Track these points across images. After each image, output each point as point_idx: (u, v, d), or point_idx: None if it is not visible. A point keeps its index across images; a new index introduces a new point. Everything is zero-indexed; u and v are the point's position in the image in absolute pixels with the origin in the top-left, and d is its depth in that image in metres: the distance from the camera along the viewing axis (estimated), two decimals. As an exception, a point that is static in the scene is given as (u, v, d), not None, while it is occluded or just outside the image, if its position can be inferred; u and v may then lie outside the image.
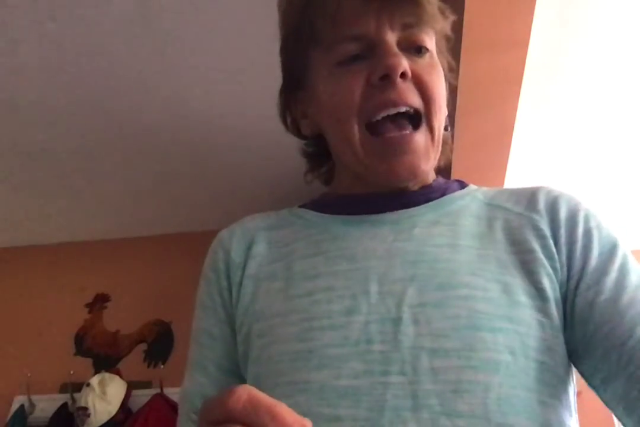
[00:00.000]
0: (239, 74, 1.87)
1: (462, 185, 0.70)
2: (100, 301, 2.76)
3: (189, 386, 0.65)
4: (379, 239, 0.61)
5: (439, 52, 0.65)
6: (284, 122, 0.72)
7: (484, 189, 0.69)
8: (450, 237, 0.60)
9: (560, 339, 0.55)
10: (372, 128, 0.60)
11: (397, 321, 0.54)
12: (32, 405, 2.42)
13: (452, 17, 0.65)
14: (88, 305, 2.75)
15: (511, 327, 0.53)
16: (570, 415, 0.55)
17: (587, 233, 0.59)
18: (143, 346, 2.59)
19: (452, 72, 0.70)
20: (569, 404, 0.55)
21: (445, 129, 0.66)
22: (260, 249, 0.66)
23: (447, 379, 0.50)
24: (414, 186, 0.65)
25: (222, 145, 2.24)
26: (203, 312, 0.67)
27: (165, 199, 2.63)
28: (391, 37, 0.59)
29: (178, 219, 2.79)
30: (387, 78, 0.58)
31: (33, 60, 1.79)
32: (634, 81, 1.84)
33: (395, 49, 0.59)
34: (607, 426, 2.19)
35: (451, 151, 0.73)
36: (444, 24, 0.64)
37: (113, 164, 2.36)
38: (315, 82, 0.65)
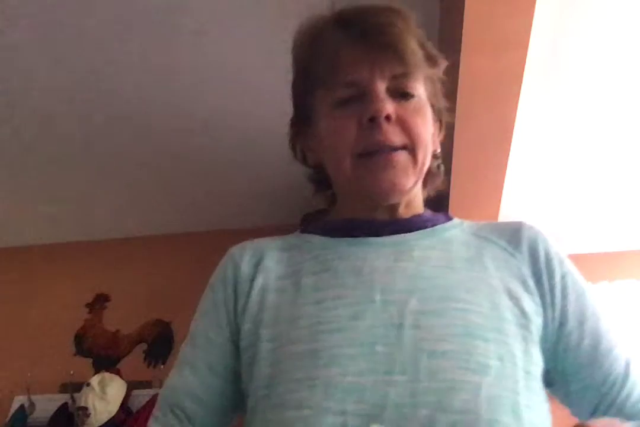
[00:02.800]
0: (243, 73, 1.87)
1: (448, 217, 0.78)
2: (100, 301, 2.75)
3: (177, 382, 0.70)
4: (383, 258, 0.68)
5: (430, 95, 0.73)
6: (294, 151, 0.81)
7: (467, 222, 0.78)
8: (446, 260, 0.68)
9: (539, 354, 0.63)
10: (362, 155, 0.69)
11: (399, 326, 0.60)
12: (32, 405, 2.42)
13: (444, 63, 0.75)
14: (88, 305, 2.75)
15: (500, 338, 0.60)
16: (549, 421, 0.62)
17: (564, 278, 0.68)
18: (143, 346, 2.59)
19: (448, 111, 0.80)
20: (548, 411, 0.62)
21: (438, 167, 0.78)
22: (269, 264, 0.72)
23: (444, 378, 0.56)
24: (406, 213, 0.73)
25: (224, 146, 2.24)
26: (204, 318, 0.73)
27: (166, 200, 2.63)
28: (381, 85, 0.68)
29: (178, 219, 2.79)
30: (374, 120, 0.66)
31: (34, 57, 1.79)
32: (634, 81, 1.84)
33: (383, 95, 0.68)
34: None
35: (443, 183, 0.81)
36: (434, 71, 0.73)
37: (114, 164, 2.36)
38: (318, 120, 0.74)
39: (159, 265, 2.78)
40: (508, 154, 1.82)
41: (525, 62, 1.44)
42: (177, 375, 0.70)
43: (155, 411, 0.69)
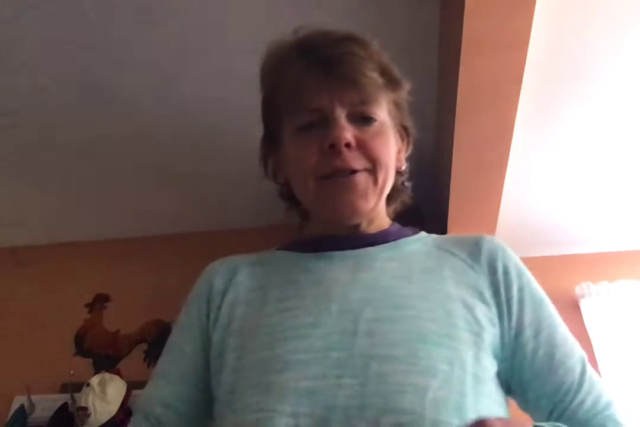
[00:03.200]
0: (244, 72, 1.87)
1: (415, 231, 0.81)
2: (100, 301, 2.75)
3: (151, 391, 0.74)
4: (343, 270, 0.72)
5: (393, 116, 0.77)
6: (265, 169, 0.84)
7: (434, 235, 0.81)
8: (404, 271, 0.71)
9: (492, 360, 0.65)
10: (324, 177, 0.72)
11: (353, 333, 0.64)
12: (32, 405, 2.41)
13: (406, 87, 0.77)
14: (88, 305, 2.75)
15: (451, 343, 0.63)
16: None
17: (521, 289, 0.71)
18: (143, 346, 2.59)
19: (414, 128, 0.83)
20: (503, 415, 0.64)
21: (402, 183, 0.81)
22: (241, 279, 0.77)
23: (392, 381, 0.59)
24: (369, 229, 0.77)
25: (224, 147, 2.24)
26: (180, 331, 0.78)
27: (166, 200, 2.63)
28: (341, 113, 0.71)
29: (178, 220, 2.79)
30: (334, 147, 0.69)
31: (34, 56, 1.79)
32: (634, 81, 1.84)
33: (342, 122, 0.70)
34: None
35: (408, 198, 0.84)
36: (395, 95, 0.76)
37: (114, 164, 2.36)
38: (284, 142, 0.77)
39: (159, 265, 2.78)
40: (508, 154, 1.82)
41: (525, 62, 1.45)
42: (152, 385, 0.75)
43: (132, 419, 0.73)
